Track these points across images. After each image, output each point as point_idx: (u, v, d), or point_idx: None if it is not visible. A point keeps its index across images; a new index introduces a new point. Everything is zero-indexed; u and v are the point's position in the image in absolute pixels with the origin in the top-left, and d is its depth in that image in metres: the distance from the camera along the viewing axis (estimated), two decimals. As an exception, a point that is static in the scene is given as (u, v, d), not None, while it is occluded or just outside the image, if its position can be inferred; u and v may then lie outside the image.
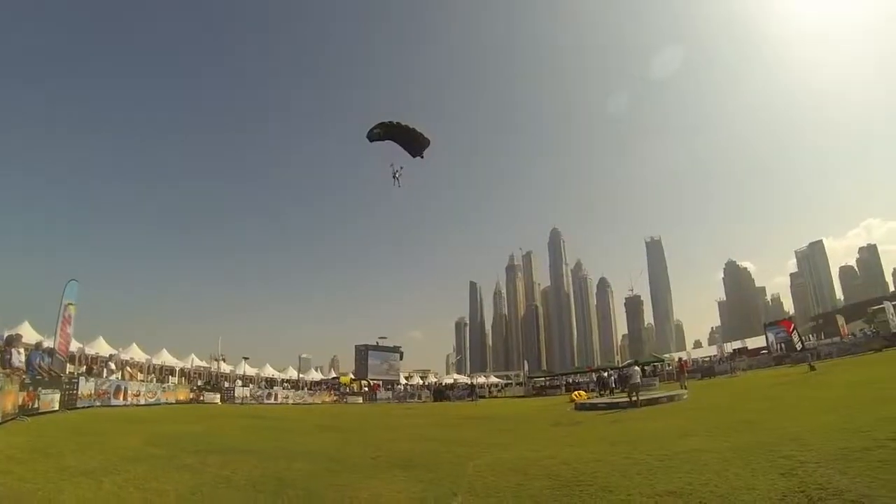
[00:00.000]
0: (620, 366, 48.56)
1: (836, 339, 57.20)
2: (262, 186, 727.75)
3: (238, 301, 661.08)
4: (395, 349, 71.91)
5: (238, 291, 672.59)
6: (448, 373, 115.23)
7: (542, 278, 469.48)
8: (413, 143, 22.82)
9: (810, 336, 76.81)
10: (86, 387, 23.51)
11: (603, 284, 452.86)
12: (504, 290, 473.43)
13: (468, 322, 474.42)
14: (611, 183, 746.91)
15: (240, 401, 40.46)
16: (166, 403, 31.31)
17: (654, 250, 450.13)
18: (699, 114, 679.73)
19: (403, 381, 71.18)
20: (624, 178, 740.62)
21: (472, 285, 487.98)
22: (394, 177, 23.38)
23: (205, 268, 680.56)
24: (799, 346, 44.08)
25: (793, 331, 49.15)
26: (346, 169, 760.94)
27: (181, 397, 34.62)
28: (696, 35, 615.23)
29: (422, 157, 23.47)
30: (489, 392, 65.53)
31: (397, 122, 22.13)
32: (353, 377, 65.01)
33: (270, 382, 56.88)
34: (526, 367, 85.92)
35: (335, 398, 51.77)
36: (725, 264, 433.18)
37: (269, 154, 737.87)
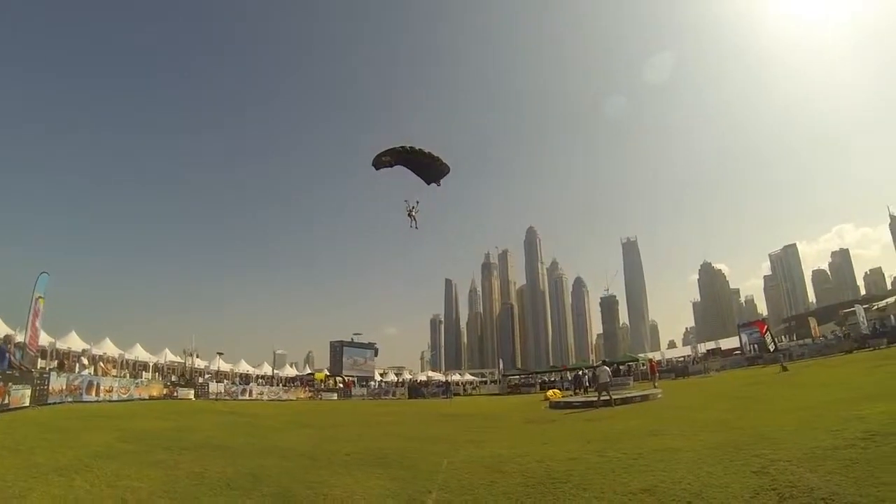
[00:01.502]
0: (594, 365, 49.19)
1: (808, 340, 58.73)
2: (239, 182, 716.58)
3: (213, 296, 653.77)
4: (370, 346, 71.70)
5: (213, 286, 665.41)
6: (423, 370, 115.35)
7: (518, 277, 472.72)
8: (428, 169, 22.00)
9: (783, 337, 78.71)
10: (57, 382, 23.09)
11: (578, 284, 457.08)
12: (479, 288, 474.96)
13: (443, 319, 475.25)
14: (588, 183, 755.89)
15: (214, 396, 40.12)
16: (139, 399, 31.02)
17: (631, 251, 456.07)
18: (678, 117, 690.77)
19: (378, 377, 71.03)
20: (601, 179, 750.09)
21: (448, 283, 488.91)
22: (410, 215, 22.37)
23: (180, 262, 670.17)
24: (772, 346, 45.09)
25: (766, 332, 50.24)
26: (325, 164, 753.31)
27: (154, 393, 34.27)
28: (680, 40, 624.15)
29: (438, 184, 22.53)
30: (464, 390, 65.84)
31: (411, 147, 21.13)
32: (327, 373, 64.66)
33: (245, 378, 56.48)
34: (501, 365, 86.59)
35: (310, 394, 51.60)
36: (700, 266, 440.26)
37: (247, 148, 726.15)
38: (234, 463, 9.62)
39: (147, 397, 32.56)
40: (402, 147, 21.39)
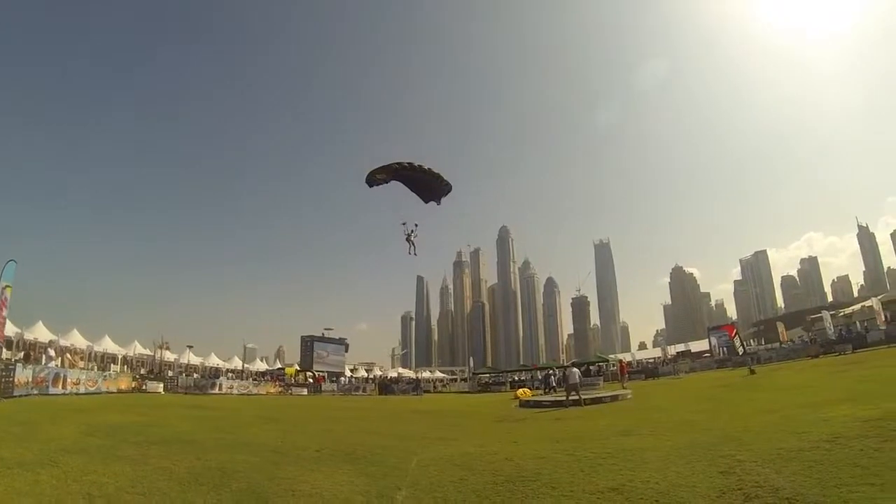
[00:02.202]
0: (564, 365, 49.71)
1: (776, 344, 60.04)
2: (211, 174, 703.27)
3: (185, 288, 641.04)
4: (341, 341, 71.60)
5: (184, 278, 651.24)
6: (393, 366, 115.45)
7: (490, 275, 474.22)
8: (428, 188, 21.19)
9: (752, 341, 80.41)
10: (23, 374, 22.84)
11: (550, 284, 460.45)
12: (451, 286, 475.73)
13: (414, 316, 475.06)
14: (563, 185, 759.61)
15: (183, 390, 40.04)
16: (107, 392, 30.87)
17: (603, 253, 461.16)
18: (654, 123, 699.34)
19: (349, 373, 71.01)
20: (576, 181, 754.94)
21: (420, 280, 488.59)
22: (408, 240, 21.57)
23: (151, 253, 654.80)
24: (740, 350, 46.03)
25: (735, 335, 51.24)
26: (297, 157, 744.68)
27: (123, 386, 34.12)
28: (660, 49, 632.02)
29: (438, 203, 21.68)
30: (434, 387, 66.13)
31: (409, 164, 20.26)
32: (298, 368, 64.43)
33: (215, 372, 56.59)
34: (471, 363, 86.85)
35: (280, 389, 51.52)
36: (672, 269, 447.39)
37: (218, 140, 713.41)
38: (203, 458, 9.56)
39: (115, 391, 32.41)
40: (398, 164, 20.47)
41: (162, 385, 38.55)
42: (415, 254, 21.80)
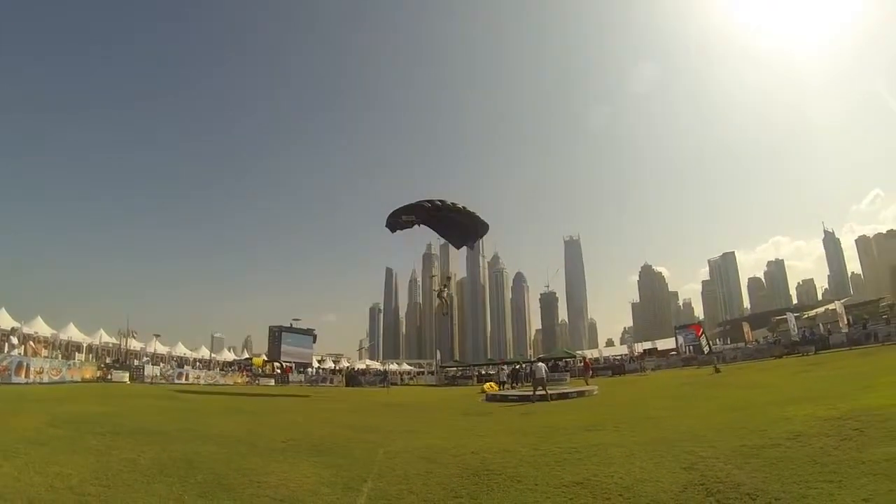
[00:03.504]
0: (531, 360, 50.18)
1: (741, 344, 61.43)
2: (179, 161, 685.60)
3: (152, 275, 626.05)
4: (309, 332, 71.14)
5: (152, 265, 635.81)
6: (361, 358, 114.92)
7: (459, 269, 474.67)
8: (462, 230, 19.60)
9: (717, 340, 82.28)
10: None
11: (519, 279, 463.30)
12: (420, 279, 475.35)
13: (382, 308, 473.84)
14: (535, 180, 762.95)
15: (149, 380, 39.52)
16: (72, 382, 30.53)
17: (573, 249, 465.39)
18: (628, 124, 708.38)
19: (316, 364, 70.65)
20: (548, 177, 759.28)
21: (389, 272, 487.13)
22: (440, 296, 20.42)
23: (116, 239, 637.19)
24: (706, 349, 47.01)
25: (701, 335, 52.28)
26: (267, 147, 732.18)
27: (88, 375, 33.72)
28: (640, 51, 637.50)
29: (471, 247, 20.52)
30: (401, 379, 66.40)
31: (441, 202, 18.53)
32: (265, 359, 63.94)
33: (182, 361, 55.84)
34: (438, 357, 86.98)
35: (247, 380, 51.26)
36: (641, 268, 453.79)
37: (188, 126, 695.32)
38: (169, 449, 9.51)
39: (80, 380, 32.09)
40: (429, 203, 18.80)
41: (128, 374, 38.12)
42: (447, 313, 20.74)
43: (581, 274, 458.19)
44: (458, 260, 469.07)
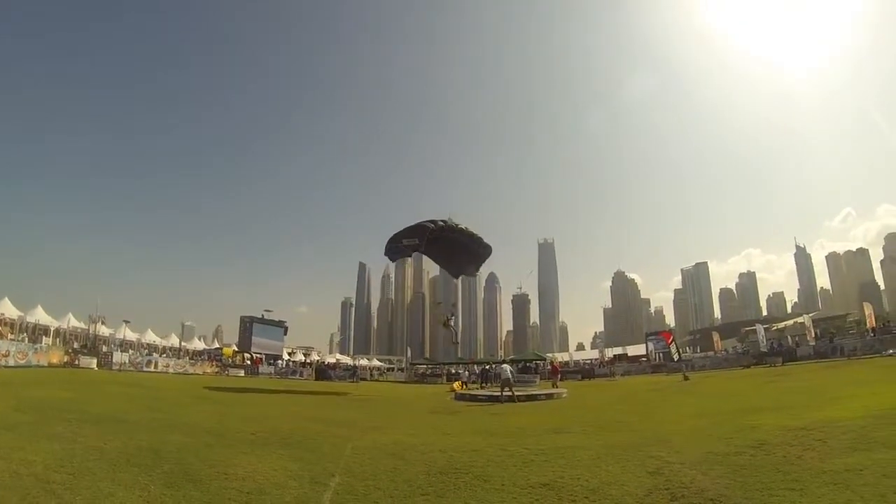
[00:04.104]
0: (501, 361, 50.49)
1: (711, 353, 62.56)
2: (153, 146, 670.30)
3: (123, 260, 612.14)
4: (280, 323, 70.99)
5: (123, 249, 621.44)
6: (331, 352, 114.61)
7: (432, 267, 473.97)
8: (465, 254, 18.76)
9: (687, 348, 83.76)
10: None
11: (492, 280, 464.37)
12: (393, 275, 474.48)
13: (354, 303, 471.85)
14: (511, 182, 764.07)
15: (118, 367, 39.14)
16: (38, 366, 30.37)
17: (546, 252, 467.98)
18: (608, 130, 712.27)
19: (286, 356, 70.34)
20: (524, 178, 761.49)
21: (362, 266, 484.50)
22: (446, 325, 19.97)
23: (89, 221, 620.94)
24: (676, 356, 47.68)
25: (671, 342, 53.02)
26: (241, 135, 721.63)
27: (54, 360, 33.49)
28: (622, 60, 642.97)
29: (473, 275, 19.93)
30: (371, 375, 66.26)
31: (444, 222, 17.51)
32: (236, 349, 63.48)
33: (151, 349, 55.46)
34: (409, 354, 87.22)
35: (217, 370, 50.89)
36: (614, 274, 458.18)
37: (164, 113, 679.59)
38: (136, 438, 9.49)
39: (46, 364, 31.92)
40: (432, 224, 17.91)
41: (95, 360, 37.75)
42: (457, 341, 20.33)
43: (554, 277, 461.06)
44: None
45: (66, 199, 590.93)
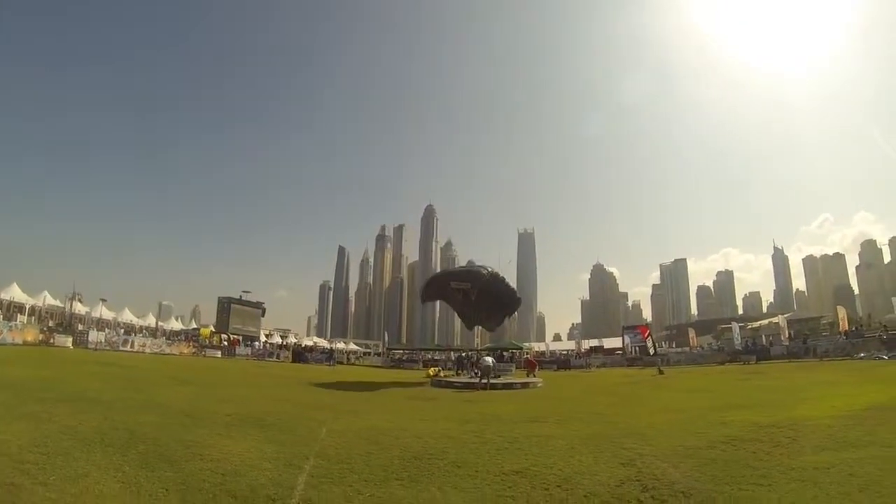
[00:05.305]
0: (478, 349, 50.76)
1: (686, 349, 63.60)
2: (130, 124, 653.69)
3: (101, 237, 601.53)
4: (258, 305, 70.59)
5: (102, 226, 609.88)
6: (308, 335, 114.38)
7: (411, 252, 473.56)
8: (493, 310, 18.16)
9: (663, 343, 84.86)
10: None
11: (470, 266, 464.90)
12: (371, 260, 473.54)
13: (332, 287, 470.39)
14: (494, 170, 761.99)
15: (93, 346, 38.76)
16: (12, 344, 30.27)
17: (526, 242, 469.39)
18: (592, 125, 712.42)
19: (264, 338, 70.10)
20: (508, 167, 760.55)
21: (341, 250, 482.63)
22: (484, 384, 20.15)
23: (67, 197, 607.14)
24: (652, 350, 48.42)
25: (648, 336, 53.81)
26: (223, 111, 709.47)
27: (29, 338, 33.37)
28: (617, 49, 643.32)
29: (492, 330, 19.21)
30: (347, 359, 66.32)
31: (490, 270, 16.88)
32: (213, 330, 63.13)
33: (128, 328, 55.06)
34: (386, 338, 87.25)
35: (193, 350, 50.54)
36: (593, 266, 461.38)
37: (144, 85, 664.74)
38: (111, 418, 9.53)
39: (21, 343, 31.82)
40: (485, 269, 17.21)
41: (71, 339, 37.54)
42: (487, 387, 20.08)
43: (533, 267, 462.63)
44: (411, 243, 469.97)
45: (45, 176, 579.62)
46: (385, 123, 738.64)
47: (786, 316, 61.77)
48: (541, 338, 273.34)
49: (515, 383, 24.50)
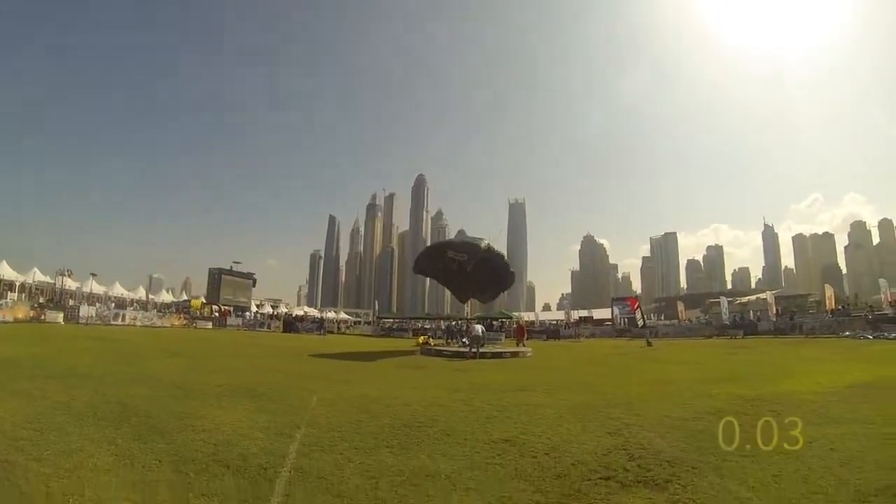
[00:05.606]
0: (468, 318, 50.96)
1: (675, 321, 64.08)
2: (118, 92, 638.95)
3: (90, 211, 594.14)
4: (249, 275, 70.68)
5: (89, 200, 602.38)
6: (299, 304, 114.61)
7: (402, 222, 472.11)
8: (487, 284, 18.06)
9: (652, 315, 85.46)
10: None
11: (461, 236, 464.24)
12: (362, 229, 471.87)
13: (323, 256, 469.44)
14: (486, 141, 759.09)
15: (84, 321, 39.02)
16: (2, 322, 30.38)
17: (517, 212, 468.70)
18: (585, 97, 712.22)
19: (254, 308, 70.31)
20: (501, 138, 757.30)
21: (332, 219, 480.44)
22: (474, 353, 20.06)
23: (54, 172, 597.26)
24: (641, 322, 48.80)
25: (637, 308, 54.23)
26: (208, 82, 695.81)
27: (20, 316, 33.57)
28: (612, 24, 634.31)
29: (485, 301, 19.09)
30: (338, 328, 66.58)
31: (488, 244, 16.89)
32: (204, 301, 63.26)
33: (119, 302, 55.22)
34: (376, 307, 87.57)
35: (184, 322, 50.95)
36: (583, 237, 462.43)
37: (130, 64, 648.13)
38: (103, 392, 9.60)
39: (11, 320, 31.98)
40: (483, 241, 17.37)
41: (62, 315, 37.66)
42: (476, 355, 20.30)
43: (524, 237, 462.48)
44: (402, 212, 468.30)
45: (32, 151, 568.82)
46: (376, 90, 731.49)
47: (774, 292, 62.59)
48: (531, 308, 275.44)
49: (505, 352, 24.68)
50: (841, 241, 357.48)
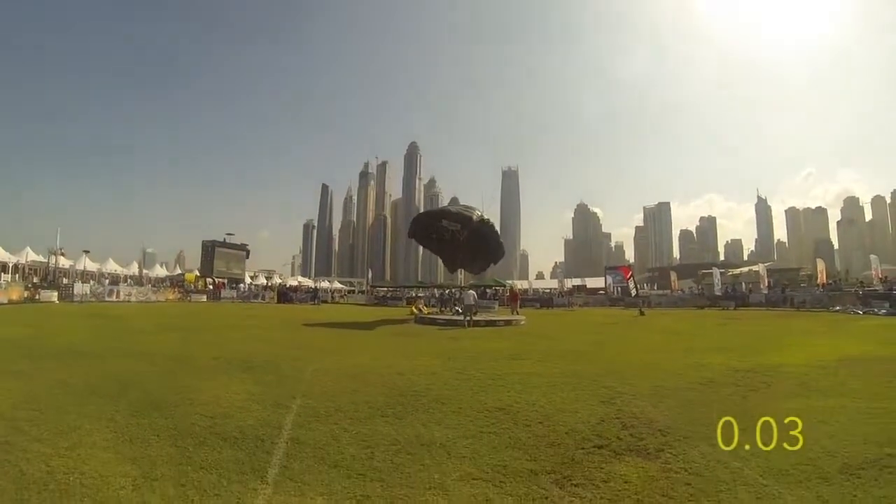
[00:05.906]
0: (461, 286, 51.07)
1: (668, 291, 64.38)
2: (109, 62, 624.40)
3: (80, 187, 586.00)
4: (242, 247, 70.54)
5: (80, 176, 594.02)
6: (293, 275, 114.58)
7: (395, 189, 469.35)
8: (478, 254, 18.11)
9: (645, 285, 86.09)
10: None
11: (454, 204, 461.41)
12: (355, 197, 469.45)
13: (316, 225, 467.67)
14: (479, 107, 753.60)
15: (79, 299, 39.28)
16: None
17: (510, 179, 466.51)
18: (578, 64, 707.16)
19: (248, 280, 70.35)
20: (493, 104, 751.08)
21: (325, 188, 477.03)
22: (467, 321, 19.94)
23: (41, 149, 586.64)
24: (633, 292, 48.92)
25: (630, 277, 54.32)
26: (201, 52, 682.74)
27: (14, 297, 33.63)
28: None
29: (476, 272, 18.96)
30: (332, 297, 66.62)
31: (481, 214, 16.87)
32: (198, 274, 63.18)
33: (113, 279, 55.23)
34: (369, 276, 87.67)
35: (179, 296, 51.09)
36: (577, 206, 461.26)
37: (122, 25, 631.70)
38: (100, 369, 9.76)
39: (6, 301, 31.98)
40: (475, 209, 17.29)
41: (56, 294, 37.92)
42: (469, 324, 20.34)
43: (517, 205, 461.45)
44: (394, 180, 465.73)
45: (24, 131, 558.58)
46: (368, 57, 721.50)
47: (766, 265, 62.81)
48: (524, 276, 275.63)
49: (498, 321, 24.79)
50: (834, 217, 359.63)
